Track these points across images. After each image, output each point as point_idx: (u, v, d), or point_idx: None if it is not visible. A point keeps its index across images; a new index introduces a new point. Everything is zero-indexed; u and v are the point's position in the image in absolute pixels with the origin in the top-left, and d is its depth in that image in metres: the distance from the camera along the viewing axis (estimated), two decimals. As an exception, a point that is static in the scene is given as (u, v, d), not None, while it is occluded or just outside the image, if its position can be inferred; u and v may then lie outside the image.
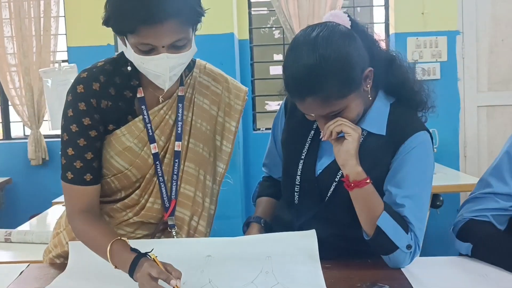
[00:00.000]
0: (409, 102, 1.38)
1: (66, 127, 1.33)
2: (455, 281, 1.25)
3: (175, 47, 1.24)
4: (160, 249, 1.21)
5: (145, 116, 1.37)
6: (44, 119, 4.12)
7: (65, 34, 4.10)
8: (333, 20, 1.30)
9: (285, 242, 1.35)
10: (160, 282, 1.12)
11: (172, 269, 1.14)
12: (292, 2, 3.91)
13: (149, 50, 1.23)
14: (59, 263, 1.47)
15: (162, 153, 1.41)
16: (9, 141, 4.40)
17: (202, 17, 1.28)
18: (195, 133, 1.45)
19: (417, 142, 1.31)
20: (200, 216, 1.47)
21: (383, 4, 4.23)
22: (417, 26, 3.99)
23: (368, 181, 1.27)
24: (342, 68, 1.21)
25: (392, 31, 4.12)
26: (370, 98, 1.34)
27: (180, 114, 1.42)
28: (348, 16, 1.31)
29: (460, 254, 1.42)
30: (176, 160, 1.42)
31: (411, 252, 1.29)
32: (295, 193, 1.44)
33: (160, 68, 1.25)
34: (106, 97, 1.34)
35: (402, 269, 1.31)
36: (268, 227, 1.52)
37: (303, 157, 1.44)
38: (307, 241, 1.34)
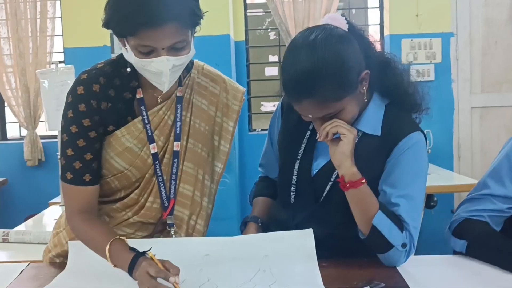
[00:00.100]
0: (403, 104, 1.39)
1: (66, 128, 1.34)
2: (450, 279, 1.27)
3: (174, 49, 1.25)
4: (159, 248, 1.22)
5: (144, 117, 1.38)
6: (40, 120, 4.11)
7: (62, 35, 4.10)
8: (331, 23, 1.31)
9: (282, 241, 1.37)
10: (160, 279, 1.14)
11: (171, 266, 1.16)
12: (288, 4, 3.93)
13: (149, 52, 1.24)
14: (59, 262, 1.47)
15: (161, 153, 1.42)
16: (5, 142, 4.40)
17: (201, 20, 1.30)
18: (193, 133, 1.46)
19: (411, 143, 1.32)
20: (198, 215, 1.49)
21: (378, 6, 4.25)
22: (411, 28, 4.01)
23: (363, 181, 1.29)
24: (339, 71, 1.23)
25: (386, 32, 4.14)
26: (366, 100, 1.36)
27: (178, 115, 1.43)
28: (346, 19, 1.32)
29: (455, 253, 1.44)
30: (175, 160, 1.43)
31: (406, 250, 1.31)
32: (291, 193, 1.45)
33: (160, 70, 1.26)
34: (106, 99, 1.35)
35: (397, 267, 1.32)
36: (265, 227, 1.53)
37: (299, 157, 1.45)
38: (304, 240, 1.35)
